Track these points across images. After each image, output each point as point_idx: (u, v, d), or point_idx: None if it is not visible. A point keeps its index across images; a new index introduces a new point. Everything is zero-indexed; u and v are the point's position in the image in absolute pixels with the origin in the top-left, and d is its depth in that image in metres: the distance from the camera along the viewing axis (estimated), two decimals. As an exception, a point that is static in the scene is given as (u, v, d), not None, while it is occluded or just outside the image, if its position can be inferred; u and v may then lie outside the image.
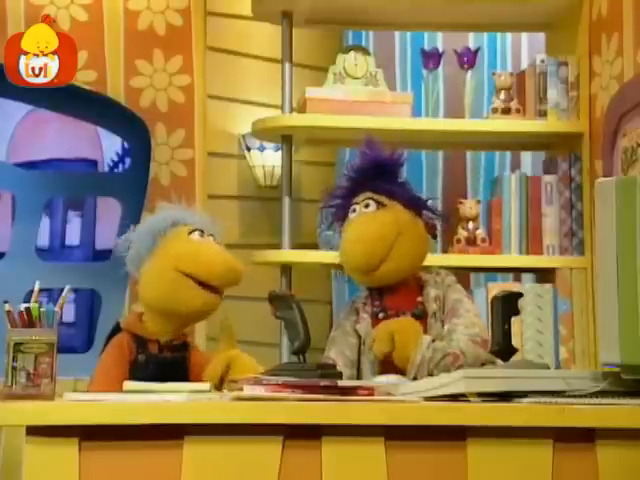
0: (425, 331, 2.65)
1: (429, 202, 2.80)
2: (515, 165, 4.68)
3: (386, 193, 2.71)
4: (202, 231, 2.70)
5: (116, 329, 2.71)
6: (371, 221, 2.70)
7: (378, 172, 2.73)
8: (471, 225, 3.93)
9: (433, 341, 2.60)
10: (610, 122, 3.71)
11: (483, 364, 2.56)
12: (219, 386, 2.53)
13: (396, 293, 2.73)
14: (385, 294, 2.74)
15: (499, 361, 2.43)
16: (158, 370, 2.60)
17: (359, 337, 2.72)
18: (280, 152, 4.10)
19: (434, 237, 2.80)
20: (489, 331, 2.55)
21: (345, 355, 2.69)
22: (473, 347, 2.58)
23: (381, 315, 2.71)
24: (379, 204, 2.70)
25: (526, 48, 4.74)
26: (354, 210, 2.74)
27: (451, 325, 2.66)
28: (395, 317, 2.69)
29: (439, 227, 2.83)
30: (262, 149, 4.51)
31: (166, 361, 2.65)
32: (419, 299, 2.71)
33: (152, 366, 2.62)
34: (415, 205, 2.74)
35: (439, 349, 2.56)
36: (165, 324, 2.67)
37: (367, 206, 2.71)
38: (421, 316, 2.68)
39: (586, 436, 2.04)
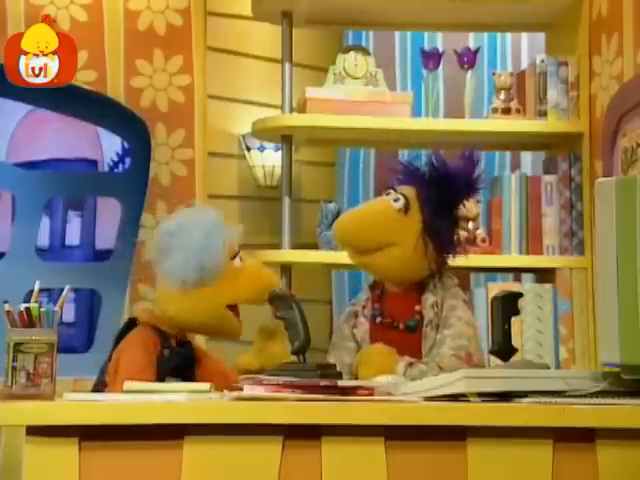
0: (417, 342, 2.63)
1: (449, 246, 2.68)
2: (515, 165, 4.68)
3: (422, 203, 2.65)
4: (239, 251, 2.69)
5: (129, 325, 2.70)
6: (382, 212, 2.67)
7: (444, 183, 2.65)
8: (471, 225, 3.92)
9: (411, 364, 2.58)
10: (610, 122, 3.71)
11: None
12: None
13: (396, 298, 2.70)
14: (385, 298, 2.72)
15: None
16: (178, 364, 2.63)
17: (358, 341, 2.72)
18: (280, 152, 4.09)
19: (437, 264, 2.69)
20: (489, 331, 2.55)
21: (343, 361, 2.66)
22: (456, 364, 2.54)
23: (378, 320, 2.69)
24: (406, 206, 2.65)
25: (526, 48, 4.74)
26: (388, 194, 2.69)
27: (441, 336, 2.63)
28: (390, 326, 2.67)
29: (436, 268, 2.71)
30: (262, 149, 4.51)
31: (183, 356, 2.67)
32: (417, 307, 2.67)
33: (175, 360, 2.63)
34: (431, 235, 2.65)
35: (416, 376, 2.51)
36: (182, 330, 2.70)
37: (396, 200, 2.67)
38: (415, 328, 2.65)
39: (586, 436, 2.04)
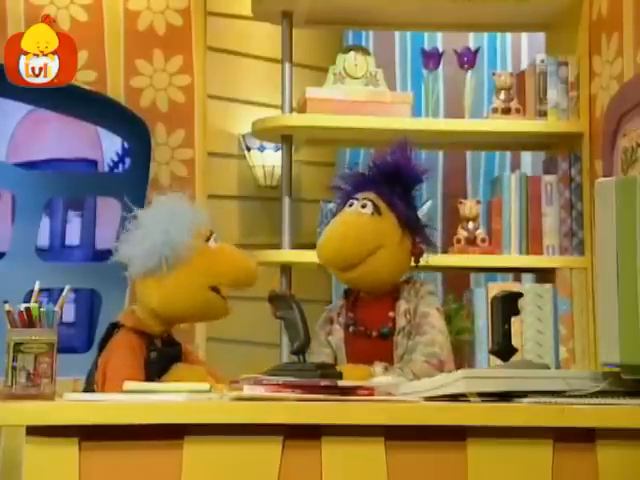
0: (391, 349, 2.62)
1: (426, 228, 2.73)
2: (515, 165, 4.68)
3: (388, 201, 2.67)
4: (213, 232, 2.69)
5: (111, 329, 2.69)
6: (358, 222, 2.67)
7: (393, 177, 2.68)
8: (471, 225, 3.93)
9: (386, 369, 2.57)
10: (610, 122, 3.71)
11: None
12: None
13: (369, 305, 2.70)
14: (359, 305, 2.71)
15: None
16: (165, 365, 2.62)
17: (333, 348, 2.71)
18: (280, 152, 4.09)
19: (416, 262, 2.73)
20: (489, 331, 2.55)
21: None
22: (427, 370, 2.55)
23: (352, 329, 2.69)
24: (376, 209, 2.67)
25: (526, 48, 4.74)
26: (351, 205, 2.70)
27: (413, 343, 2.63)
28: (363, 334, 2.66)
29: (426, 255, 2.74)
30: (262, 149, 4.51)
31: (170, 356, 2.66)
32: (391, 314, 2.66)
33: (163, 361, 2.63)
34: (410, 225, 2.69)
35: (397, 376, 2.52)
36: (169, 325, 2.68)
37: (364, 206, 2.68)
38: (388, 335, 2.65)
39: (586, 436, 2.04)
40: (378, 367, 2.58)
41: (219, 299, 2.68)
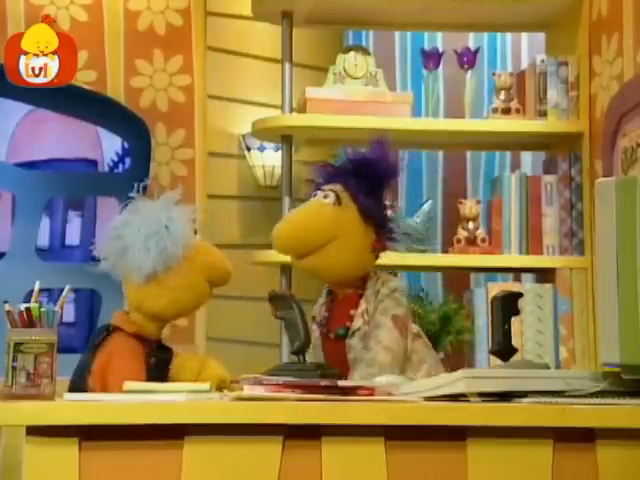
0: (344, 352, 2.57)
1: (390, 223, 2.66)
2: (515, 165, 4.68)
3: (352, 194, 2.61)
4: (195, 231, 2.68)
5: (104, 332, 2.65)
6: (316, 211, 2.62)
7: (363, 171, 2.63)
8: (471, 225, 3.93)
9: None
10: (610, 122, 3.71)
11: None
12: None
13: (340, 302, 2.64)
14: (334, 302, 2.66)
15: None
16: (162, 369, 2.61)
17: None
18: (280, 152, 4.10)
19: (376, 257, 2.65)
20: (489, 331, 2.54)
21: None
22: None
23: (322, 329, 2.64)
24: (337, 199, 2.61)
25: (526, 48, 4.74)
26: (315, 195, 2.65)
27: (357, 357, 2.55)
28: (326, 335, 2.61)
29: (389, 248, 2.67)
30: (262, 149, 4.51)
31: (165, 360, 2.65)
32: (352, 312, 2.60)
33: (161, 367, 2.62)
34: (373, 220, 2.62)
35: None
36: (156, 322, 2.65)
37: (326, 197, 2.62)
38: (344, 336, 2.59)
39: (586, 436, 2.04)
40: None
41: (209, 292, 2.68)
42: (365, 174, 2.63)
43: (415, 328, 2.69)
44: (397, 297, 2.63)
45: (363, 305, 2.61)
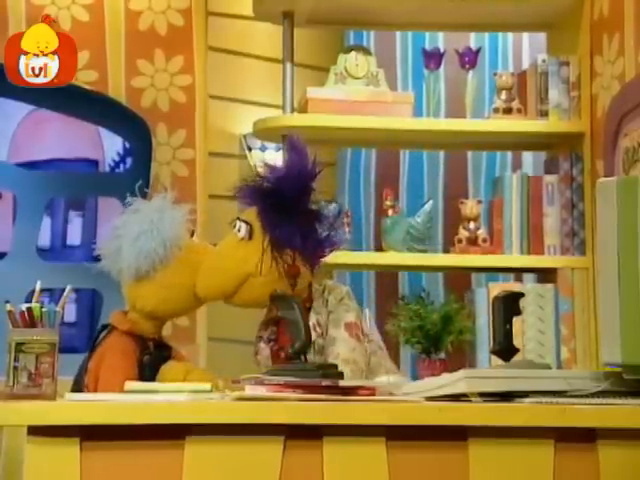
0: None
1: (304, 252, 2.58)
2: (516, 165, 4.67)
3: (263, 222, 2.58)
4: (193, 229, 2.70)
5: (103, 330, 2.68)
6: (227, 253, 2.61)
7: (278, 188, 2.55)
8: (472, 225, 3.93)
9: None
10: (611, 122, 3.71)
11: None
12: None
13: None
14: (279, 320, 2.61)
15: None
16: (157, 368, 2.61)
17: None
18: (281, 152, 4.09)
19: (293, 283, 2.60)
20: (490, 331, 2.53)
21: None
22: None
23: (272, 345, 2.63)
24: (249, 232, 2.59)
25: (527, 48, 4.74)
26: (234, 225, 2.63)
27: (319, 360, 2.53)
28: (277, 354, 2.59)
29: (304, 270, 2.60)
30: (263, 149, 4.51)
31: (162, 358, 2.65)
32: None
33: (156, 365, 2.62)
34: (283, 247, 2.57)
35: None
36: (154, 321, 2.67)
37: (239, 230, 2.62)
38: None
39: (587, 436, 2.04)
40: None
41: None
42: (277, 190, 2.57)
43: (367, 329, 2.66)
44: (346, 304, 2.61)
45: (313, 318, 2.60)
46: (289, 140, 2.64)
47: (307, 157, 2.58)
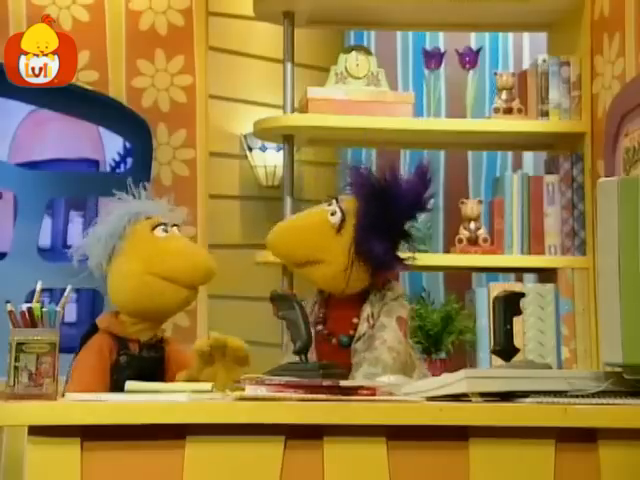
0: (348, 358, 2.56)
1: (380, 268, 2.58)
2: (517, 165, 4.67)
3: (358, 219, 2.56)
4: (165, 223, 2.66)
5: (92, 330, 2.66)
6: (316, 228, 2.60)
7: (388, 197, 2.54)
8: (473, 225, 3.93)
9: None
10: (612, 122, 3.71)
11: None
12: None
13: (339, 305, 2.63)
14: (331, 303, 2.65)
15: None
16: (140, 370, 2.57)
17: None
18: (282, 152, 4.09)
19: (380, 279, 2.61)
20: (491, 331, 2.54)
21: None
22: None
23: (319, 328, 2.62)
24: (341, 223, 2.58)
25: (528, 48, 4.74)
26: (330, 204, 2.61)
27: (359, 358, 2.55)
28: (326, 338, 2.60)
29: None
30: (264, 149, 4.51)
31: (147, 360, 2.62)
32: (354, 320, 2.59)
33: (134, 366, 2.59)
34: (359, 255, 2.56)
35: None
36: (143, 322, 2.63)
37: (333, 214, 2.60)
38: (348, 344, 2.58)
39: (588, 436, 2.04)
40: None
41: (167, 286, 2.61)
42: (388, 201, 2.54)
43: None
44: (402, 302, 2.63)
45: (368, 309, 2.60)
46: (420, 165, 2.59)
47: (428, 186, 2.57)
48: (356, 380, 2.46)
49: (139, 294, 2.62)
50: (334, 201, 2.63)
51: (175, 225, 2.68)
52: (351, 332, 2.59)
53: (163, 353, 2.66)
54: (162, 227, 2.65)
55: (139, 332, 2.64)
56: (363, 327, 2.58)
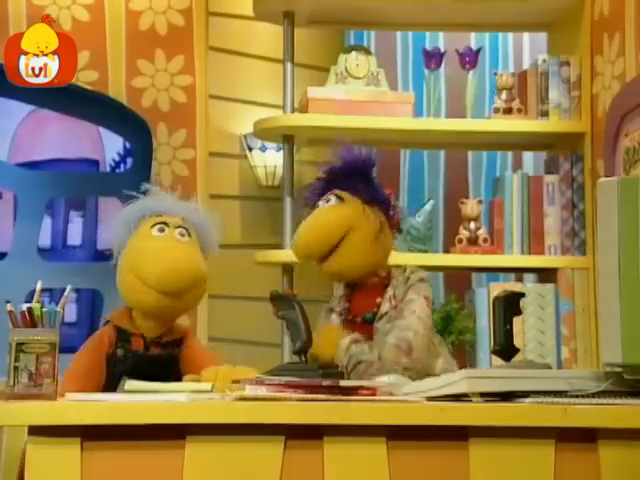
0: (371, 334, 2.63)
1: (391, 200, 2.79)
2: (517, 165, 4.67)
3: (350, 190, 2.72)
4: (165, 223, 2.63)
5: (106, 323, 2.68)
6: (324, 213, 2.71)
7: (348, 173, 2.74)
8: (473, 225, 3.93)
9: (357, 341, 2.60)
10: (612, 122, 3.71)
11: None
12: None
13: (362, 293, 2.72)
14: (354, 293, 2.74)
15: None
16: (141, 367, 2.55)
17: None
18: (282, 152, 4.10)
19: (400, 231, 2.81)
20: (491, 331, 2.54)
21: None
22: (394, 354, 2.55)
23: (343, 317, 2.72)
24: (339, 199, 2.71)
25: (528, 48, 4.74)
26: (317, 206, 2.74)
27: (390, 326, 2.63)
28: (353, 321, 2.69)
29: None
30: (264, 149, 4.51)
31: (151, 358, 2.59)
32: (378, 300, 2.68)
33: (133, 362, 2.57)
34: (377, 202, 2.73)
35: (354, 355, 2.57)
36: (148, 319, 2.60)
37: (328, 201, 2.72)
38: (371, 321, 2.66)
39: (588, 436, 2.04)
40: (347, 338, 2.60)
41: (139, 285, 2.57)
42: (348, 173, 2.74)
43: None
44: (425, 285, 2.70)
45: (390, 291, 2.68)
46: (340, 141, 2.81)
47: (353, 149, 2.78)
48: (386, 343, 2.56)
49: (121, 288, 2.62)
50: (320, 202, 2.74)
51: (182, 228, 2.64)
52: (374, 309, 2.67)
53: (176, 353, 2.62)
54: (159, 226, 2.62)
55: (146, 328, 2.61)
56: (385, 306, 2.66)
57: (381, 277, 2.71)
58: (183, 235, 2.62)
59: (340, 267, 2.69)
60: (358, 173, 2.75)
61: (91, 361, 2.58)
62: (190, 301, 2.64)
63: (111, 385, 2.53)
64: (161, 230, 2.62)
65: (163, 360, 2.60)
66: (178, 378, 2.54)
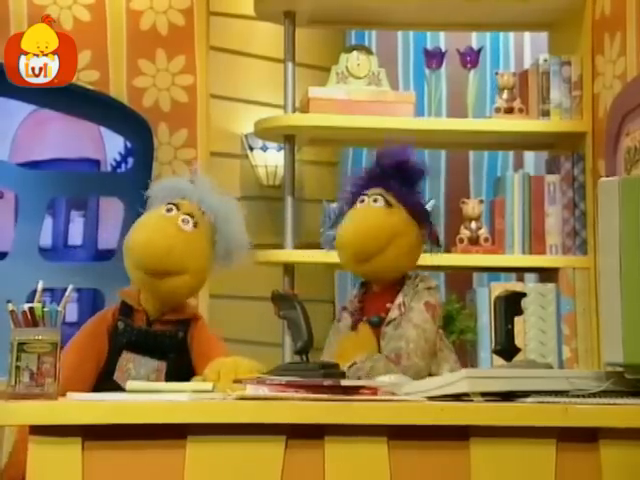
0: (377, 339, 2.67)
1: (432, 217, 2.83)
2: (518, 165, 4.67)
3: (397, 195, 2.75)
4: (177, 206, 2.65)
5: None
6: (374, 215, 2.73)
7: (398, 174, 2.77)
8: (474, 225, 3.93)
9: (353, 365, 2.60)
10: (613, 121, 3.71)
11: None
12: None
13: (376, 295, 2.75)
14: (368, 294, 2.77)
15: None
16: (142, 342, 2.61)
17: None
18: (283, 152, 4.09)
19: (438, 245, 2.83)
20: (492, 331, 2.55)
21: (330, 352, 2.73)
22: (384, 366, 2.58)
23: (356, 317, 2.75)
24: (387, 203, 2.73)
25: (529, 47, 4.74)
26: (362, 201, 2.76)
27: (387, 338, 2.66)
28: (359, 322, 2.72)
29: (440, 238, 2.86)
30: (265, 149, 4.51)
31: (151, 334, 2.63)
32: (388, 305, 2.71)
33: (133, 336, 2.62)
34: (419, 215, 2.77)
35: (352, 375, 2.57)
36: (149, 297, 2.65)
37: (375, 201, 2.74)
38: (378, 324, 2.69)
39: (589, 436, 2.04)
40: (347, 364, 2.59)
41: (127, 260, 2.65)
42: (399, 176, 2.77)
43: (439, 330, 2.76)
44: (433, 293, 2.74)
45: (400, 298, 2.71)
46: (400, 143, 2.83)
47: (416, 155, 2.83)
48: (380, 356, 2.58)
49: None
50: (364, 197, 2.76)
51: (189, 216, 2.64)
52: (382, 314, 2.70)
53: (180, 333, 2.65)
54: (169, 206, 2.65)
55: (149, 306, 2.65)
56: (394, 313, 2.68)
57: (396, 282, 2.74)
58: (187, 222, 2.63)
59: (383, 269, 2.72)
60: (407, 178, 2.78)
61: (94, 332, 2.64)
62: (173, 287, 2.63)
63: (113, 359, 2.59)
64: (169, 210, 2.65)
65: (165, 337, 2.64)
66: (181, 357, 2.60)
